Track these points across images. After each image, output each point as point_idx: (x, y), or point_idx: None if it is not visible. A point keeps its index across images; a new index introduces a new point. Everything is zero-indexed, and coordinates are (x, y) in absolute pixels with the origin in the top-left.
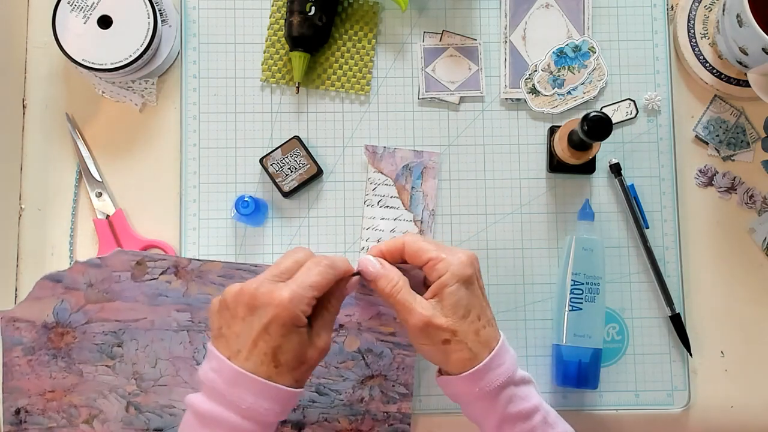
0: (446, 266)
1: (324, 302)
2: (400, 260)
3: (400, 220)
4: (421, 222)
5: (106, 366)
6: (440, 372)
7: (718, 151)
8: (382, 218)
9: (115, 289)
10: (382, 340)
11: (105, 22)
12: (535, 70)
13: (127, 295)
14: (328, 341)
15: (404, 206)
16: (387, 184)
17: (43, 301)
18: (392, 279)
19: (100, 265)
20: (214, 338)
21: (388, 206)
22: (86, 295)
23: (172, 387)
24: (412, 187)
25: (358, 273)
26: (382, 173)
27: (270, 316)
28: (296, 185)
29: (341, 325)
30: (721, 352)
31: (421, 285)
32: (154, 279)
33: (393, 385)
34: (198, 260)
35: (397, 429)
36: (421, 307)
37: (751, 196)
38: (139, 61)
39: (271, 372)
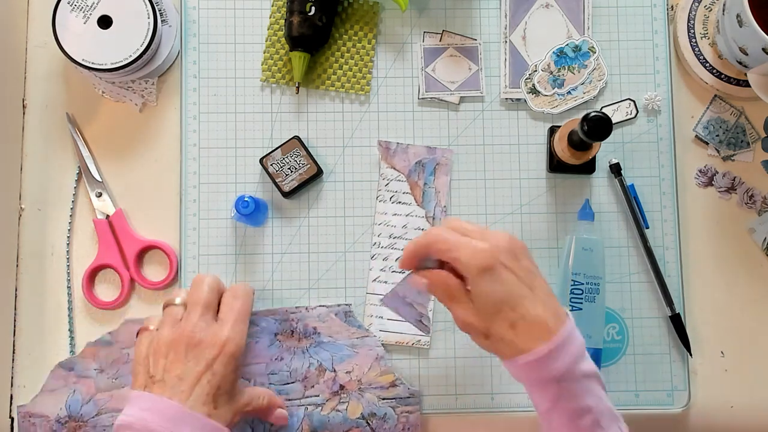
0: (460, 262)
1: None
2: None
3: (412, 216)
4: (433, 218)
5: None
6: None
7: (718, 151)
8: (395, 214)
9: (124, 372)
10: (384, 399)
11: (105, 22)
12: (535, 70)
13: None
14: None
15: (416, 202)
16: (399, 180)
17: (56, 393)
18: (440, 287)
19: (110, 342)
20: (144, 386)
21: (400, 202)
22: (96, 383)
23: None
24: (425, 184)
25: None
26: (394, 169)
27: (214, 354)
28: (296, 185)
29: (342, 387)
30: (721, 352)
31: None
32: None
33: None
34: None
35: None
36: (460, 308)
37: (751, 196)
38: (139, 61)
39: (210, 411)
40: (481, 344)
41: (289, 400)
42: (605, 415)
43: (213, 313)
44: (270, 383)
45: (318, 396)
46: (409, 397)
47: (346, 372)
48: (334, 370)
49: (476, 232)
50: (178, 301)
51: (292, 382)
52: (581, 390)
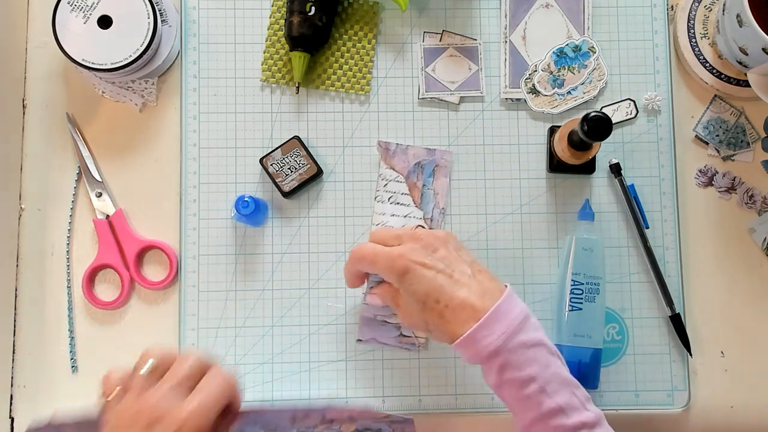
0: (383, 273)
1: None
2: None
3: (410, 217)
4: (431, 220)
5: None
6: None
7: (718, 151)
8: (393, 215)
9: None
10: (377, 420)
11: (105, 22)
12: (535, 70)
13: None
14: None
15: (415, 204)
16: (398, 181)
17: None
18: (386, 298)
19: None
20: None
21: (398, 203)
22: None
23: None
24: (424, 185)
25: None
26: (393, 170)
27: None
28: (296, 185)
29: (332, 421)
30: (721, 352)
31: None
32: None
33: None
34: None
35: None
36: (401, 310)
37: (751, 196)
38: (139, 61)
39: None
40: (430, 337)
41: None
42: (552, 382)
43: (186, 389)
44: (256, 422)
45: (308, 428)
46: (405, 420)
47: (336, 411)
48: (323, 411)
49: (395, 238)
50: (145, 370)
51: (279, 420)
52: (521, 361)
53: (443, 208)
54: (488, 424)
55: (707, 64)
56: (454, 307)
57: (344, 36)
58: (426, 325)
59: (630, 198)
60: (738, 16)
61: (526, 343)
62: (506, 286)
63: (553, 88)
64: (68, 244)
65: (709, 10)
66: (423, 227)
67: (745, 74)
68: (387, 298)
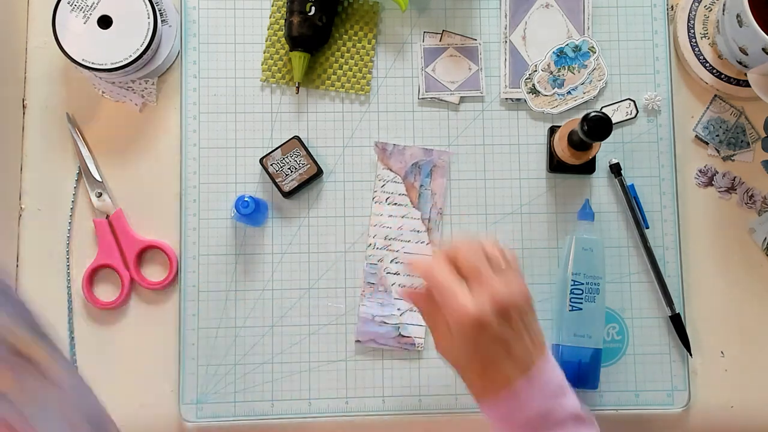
0: (446, 317)
1: None
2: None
3: (407, 218)
4: (429, 221)
5: None
6: None
7: (718, 151)
8: (390, 215)
9: None
10: None
11: (105, 22)
12: (535, 70)
13: None
14: None
15: (412, 204)
16: (396, 182)
17: None
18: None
19: None
20: None
21: (396, 204)
22: None
23: None
24: (421, 185)
25: None
26: (391, 170)
27: None
28: (296, 185)
29: None
30: (721, 352)
31: None
32: None
33: None
34: None
35: None
36: (440, 336)
37: (751, 196)
38: (139, 61)
39: None
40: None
41: None
42: None
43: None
44: None
45: None
46: None
47: None
48: None
49: (471, 270)
50: None
51: None
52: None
53: (441, 209)
54: (488, 424)
55: (707, 64)
56: (497, 378)
57: (344, 36)
58: (458, 370)
59: (630, 198)
60: (738, 16)
61: (555, 421)
62: (546, 348)
63: (553, 88)
64: (68, 244)
65: (709, 10)
66: (508, 256)
67: (745, 74)
68: (422, 310)
